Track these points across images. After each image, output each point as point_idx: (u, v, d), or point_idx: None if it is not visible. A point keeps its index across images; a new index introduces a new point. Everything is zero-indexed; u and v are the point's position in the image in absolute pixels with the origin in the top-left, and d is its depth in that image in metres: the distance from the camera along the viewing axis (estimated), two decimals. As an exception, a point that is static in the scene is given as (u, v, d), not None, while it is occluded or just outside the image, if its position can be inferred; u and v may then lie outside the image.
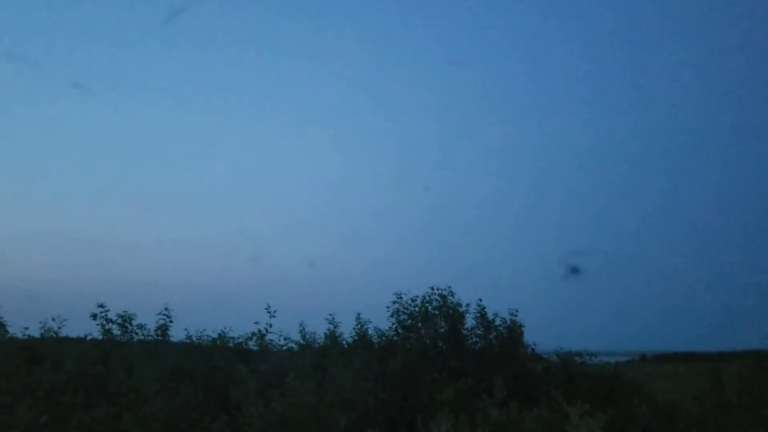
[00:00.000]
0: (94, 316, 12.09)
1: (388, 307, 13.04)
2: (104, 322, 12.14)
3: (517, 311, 13.07)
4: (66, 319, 12.74)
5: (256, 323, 12.35)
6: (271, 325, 12.37)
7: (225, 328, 13.34)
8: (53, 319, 12.68)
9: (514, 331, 12.97)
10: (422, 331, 12.93)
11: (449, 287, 13.09)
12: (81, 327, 12.70)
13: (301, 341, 12.99)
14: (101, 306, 12.20)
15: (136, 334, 12.49)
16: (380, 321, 13.21)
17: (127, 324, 12.34)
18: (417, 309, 12.95)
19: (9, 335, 13.16)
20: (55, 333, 12.69)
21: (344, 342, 13.04)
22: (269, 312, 12.16)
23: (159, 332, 12.57)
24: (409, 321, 12.98)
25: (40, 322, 12.72)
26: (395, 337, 13.04)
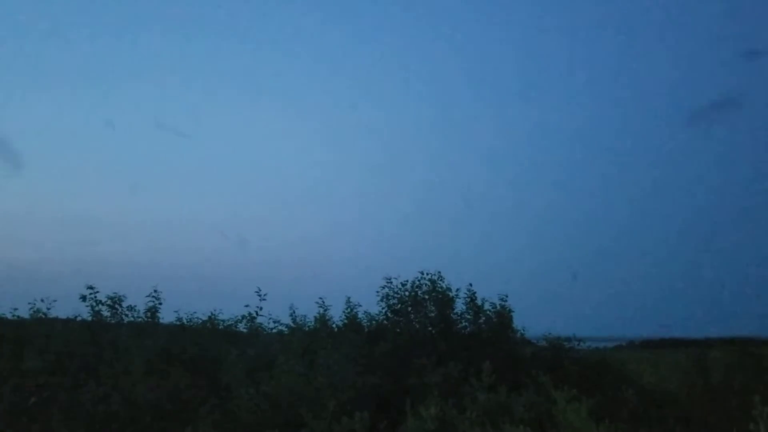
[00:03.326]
0: (84, 298, 12.06)
1: (377, 291, 13.07)
2: (94, 304, 12.11)
3: (506, 296, 13.12)
4: (55, 300, 12.71)
5: (247, 306, 12.37)
6: (261, 308, 12.39)
7: (215, 310, 13.37)
8: (42, 300, 12.65)
9: (503, 316, 13.01)
10: (412, 316, 12.96)
11: (439, 272, 13.13)
12: (70, 308, 12.68)
13: (291, 324, 13.00)
14: (91, 288, 12.18)
15: (126, 315, 12.48)
16: (370, 305, 13.24)
17: (116, 306, 12.32)
18: (407, 293, 12.98)
19: (-2, 316, 13.12)
20: (44, 314, 12.65)
21: (334, 325, 13.06)
22: (259, 295, 12.17)
23: (148, 314, 12.56)
24: (399, 305, 13.00)
25: (29, 303, 12.69)
26: (385, 321, 13.07)
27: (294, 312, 13.09)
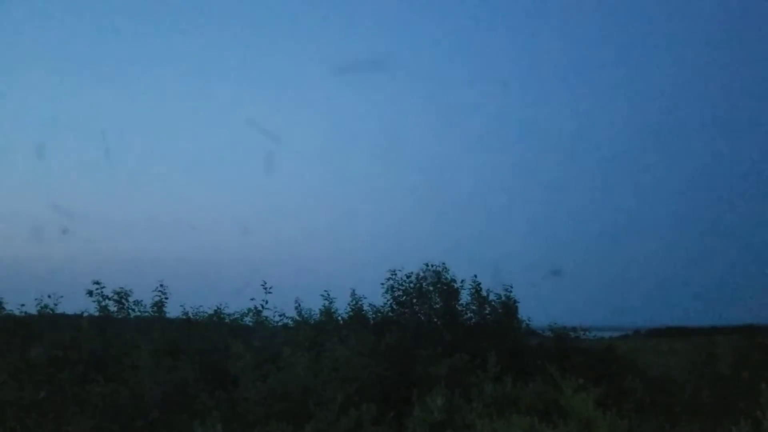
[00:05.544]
0: (90, 293, 12.10)
1: (382, 283, 13.08)
2: (100, 299, 12.16)
3: (511, 287, 13.13)
4: (62, 296, 12.76)
5: (252, 299, 12.38)
6: (266, 302, 12.40)
7: (221, 304, 13.41)
8: (49, 296, 12.70)
9: (508, 306, 13.03)
10: (417, 307, 12.98)
11: (444, 263, 13.14)
12: (77, 304, 12.74)
13: (297, 317, 13.03)
14: (97, 283, 12.22)
15: (133, 310, 12.53)
16: (375, 297, 13.26)
17: (123, 300, 12.37)
18: (412, 285, 12.99)
19: (5, 312, 13.18)
20: (52, 310, 12.70)
21: (339, 318, 13.08)
22: (265, 288, 12.18)
23: (155, 308, 12.60)
24: (404, 297, 13.02)
25: (36, 300, 12.74)
26: (390, 313, 13.09)
27: (299, 305, 13.13)
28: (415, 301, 12.98)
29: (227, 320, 13.28)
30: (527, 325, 13.43)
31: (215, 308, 13.35)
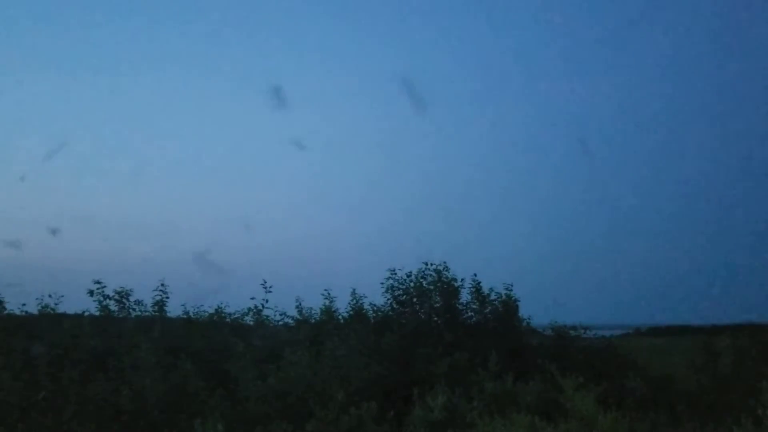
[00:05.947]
0: (91, 293, 12.10)
1: (382, 282, 13.07)
2: (101, 299, 12.16)
3: (512, 285, 13.12)
4: (63, 296, 12.76)
5: (253, 299, 12.39)
6: (267, 301, 12.40)
7: (221, 303, 13.41)
8: (50, 296, 12.70)
9: (509, 305, 13.02)
10: (417, 306, 12.97)
11: (444, 262, 13.12)
12: (78, 303, 12.74)
13: (298, 316, 13.03)
14: (98, 282, 12.22)
15: (134, 309, 12.52)
16: (375, 296, 13.25)
17: (124, 300, 12.36)
18: (412, 284, 12.98)
19: (6, 312, 13.17)
20: (53, 309, 12.70)
21: (340, 317, 13.08)
22: (265, 288, 12.18)
23: (156, 308, 12.59)
24: (405, 296, 13.01)
25: (37, 299, 12.74)
26: (390, 312, 13.08)
27: (300, 304, 13.15)
28: (415, 300, 12.97)
29: (228, 319, 13.29)
30: (528, 323, 13.43)
31: (216, 307, 13.37)
